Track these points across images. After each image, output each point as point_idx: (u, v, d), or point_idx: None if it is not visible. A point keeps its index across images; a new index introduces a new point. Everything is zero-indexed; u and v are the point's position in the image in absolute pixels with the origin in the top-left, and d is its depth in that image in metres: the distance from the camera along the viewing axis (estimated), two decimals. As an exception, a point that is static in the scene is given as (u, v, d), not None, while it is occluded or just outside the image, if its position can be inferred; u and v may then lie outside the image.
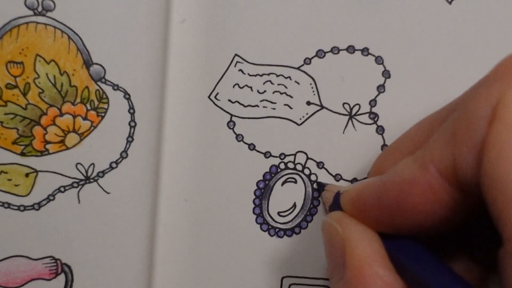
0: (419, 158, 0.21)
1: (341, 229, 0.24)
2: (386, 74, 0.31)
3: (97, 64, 0.31)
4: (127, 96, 0.31)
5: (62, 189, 0.31)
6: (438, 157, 0.20)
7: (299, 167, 0.32)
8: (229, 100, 0.31)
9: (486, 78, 0.20)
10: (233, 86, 0.31)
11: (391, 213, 0.22)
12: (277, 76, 0.31)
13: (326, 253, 0.25)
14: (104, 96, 0.31)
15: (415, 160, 0.21)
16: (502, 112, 0.18)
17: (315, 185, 0.32)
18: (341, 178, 0.32)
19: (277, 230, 0.32)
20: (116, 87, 0.31)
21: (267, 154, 0.32)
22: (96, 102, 0.31)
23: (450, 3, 0.31)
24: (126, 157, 0.31)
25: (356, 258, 0.22)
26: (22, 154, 0.31)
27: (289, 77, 0.31)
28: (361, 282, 0.21)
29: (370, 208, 0.23)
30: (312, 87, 0.31)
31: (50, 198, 0.31)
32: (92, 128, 0.31)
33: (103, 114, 0.31)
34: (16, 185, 0.31)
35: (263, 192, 0.32)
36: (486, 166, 0.18)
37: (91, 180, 0.31)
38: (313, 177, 0.32)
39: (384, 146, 0.31)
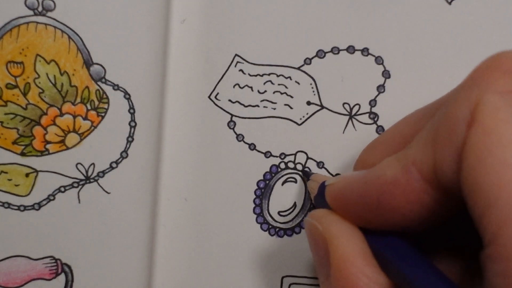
0: (402, 159, 0.21)
1: (323, 228, 0.24)
2: (386, 74, 0.31)
3: (97, 64, 0.31)
4: (127, 96, 0.31)
5: (62, 189, 0.31)
6: (419, 159, 0.20)
7: (299, 167, 0.32)
8: (230, 100, 0.31)
9: (466, 81, 0.20)
10: (234, 86, 0.31)
11: (373, 212, 0.22)
12: (278, 76, 0.31)
13: (312, 253, 0.25)
14: (104, 96, 0.31)
15: (397, 160, 0.21)
16: (480, 116, 0.18)
17: (301, 174, 0.32)
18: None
19: (277, 229, 0.32)
20: (116, 87, 0.31)
21: (268, 154, 0.32)
22: (96, 102, 0.31)
23: (450, 3, 0.31)
24: (126, 157, 0.31)
25: (340, 256, 0.22)
26: (22, 154, 0.31)
27: (290, 77, 0.31)
28: (346, 280, 0.22)
29: (353, 206, 0.23)
30: (312, 87, 0.31)
31: (50, 198, 0.31)
32: (92, 128, 0.31)
33: (103, 114, 0.31)
34: (16, 185, 0.31)
35: (263, 191, 0.32)
36: (466, 171, 0.18)
37: (91, 180, 0.31)
38: (313, 177, 0.32)
39: (384, 146, 0.31)
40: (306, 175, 0.31)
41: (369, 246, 0.23)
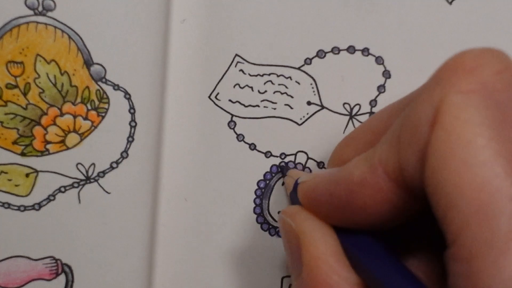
0: (369, 158, 0.21)
1: (296, 225, 0.24)
2: (387, 74, 0.31)
3: (97, 64, 0.31)
4: (127, 96, 0.31)
5: (62, 189, 0.31)
6: (385, 159, 0.20)
7: (299, 167, 0.32)
8: (230, 100, 0.31)
9: (429, 81, 0.20)
10: (234, 86, 0.31)
11: (342, 210, 0.22)
12: (278, 76, 0.31)
13: (284, 249, 0.25)
14: (105, 96, 0.31)
15: (365, 161, 0.21)
16: (442, 117, 0.18)
17: (278, 168, 0.32)
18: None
19: (277, 229, 0.32)
20: (116, 87, 0.31)
21: (268, 154, 0.32)
22: (97, 102, 0.31)
23: (450, 3, 0.31)
24: (126, 157, 0.31)
25: (312, 254, 0.22)
26: (23, 154, 0.31)
27: (290, 77, 0.31)
28: (317, 278, 0.22)
29: (323, 203, 0.23)
30: (312, 87, 0.31)
31: (50, 198, 0.31)
32: (93, 128, 0.31)
33: (103, 114, 0.31)
34: (16, 185, 0.31)
35: (263, 191, 0.32)
36: (429, 172, 0.18)
37: (92, 180, 0.31)
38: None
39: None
40: (283, 170, 0.31)
41: (340, 245, 0.23)
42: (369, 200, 0.21)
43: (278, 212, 0.32)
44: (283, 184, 0.32)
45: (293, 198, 0.26)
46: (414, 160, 0.19)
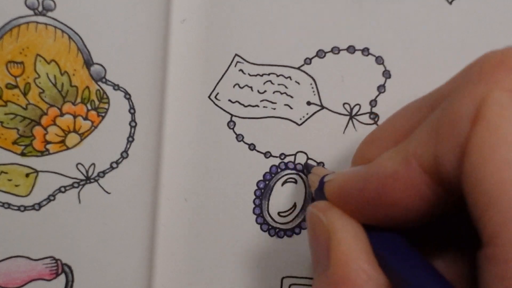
0: (402, 151, 0.21)
1: (327, 220, 0.23)
2: (387, 74, 0.31)
3: (97, 64, 0.31)
4: (127, 96, 0.31)
5: (62, 189, 0.31)
6: (420, 151, 0.20)
7: (299, 167, 0.32)
8: (229, 100, 0.31)
9: (471, 75, 0.20)
10: (233, 86, 0.31)
11: (373, 207, 0.22)
12: (278, 76, 0.31)
13: (310, 243, 0.25)
14: (105, 96, 0.31)
15: (397, 154, 0.21)
16: (485, 113, 0.18)
17: (302, 167, 0.32)
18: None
19: (277, 230, 0.32)
20: (116, 87, 0.31)
21: (267, 154, 0.31)
22: (97, 102, 0.31)
23: (450, 3, 0.31)
24: (126, 157, 0.31)
25: (341, 251, 0.22)
26: (23, 154, 0.31)
27: (290, 77, 0.31)
28: (345, 276, 0.21)
29: (353, 201, 0.23)
30: (312, 87, 0.31)
31: (50, 198, 0.31)
32: (93, 128, 0.31)
33: (103, 114, 0.31)
34: (16, 186, 0.31)
35: (263, 192, 0.32)
36: (468, 168, 0.18)
37: (92, 180, 0.31)
38: (313, 177, 0.32)
39: (384, 146, 0.31)
40: (307, 168, 0.31)
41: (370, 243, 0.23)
42: (402, 194, 0.20)
43: (279, 213, 0.32)
44: (282, 184, 0.32)
45: (319, 195, 0.26)
46: (452, 155, 0.19)
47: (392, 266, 0.21)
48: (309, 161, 0.32)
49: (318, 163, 0.32)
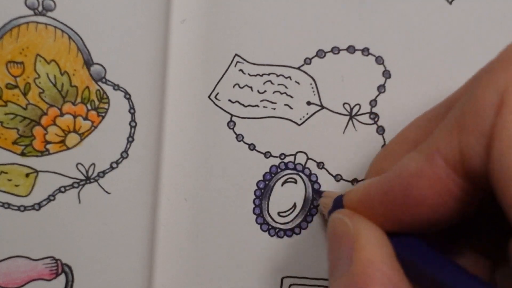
0: (424, 149, 0.20)
1: (352, 224, 0.23)
2: (387, 74, 0.31)
3: (97, 64, 0.31)
4: (127, 96, 0.31)
5: (62, 189, 0.31)
6: (444, 147, 0.20)
7: (299, 167, 0.32)
8: (229, 100, 0.31)
9: (491, 65, 0.20)
10: (233, 86, 0.31)
11: (398, 209, 0.21)
12: (277, 76, 0.31)
13: (331, 247, 0.24)
14: (105, 96, 0.31)
15: (420, 152, 0.21)
16: (510, 100, 0.18)
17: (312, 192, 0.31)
18: (341, 179, 0.32)
19: (277, 230, 0.32)
20: (116, 87, 0.31)
21: (267, 154, 0.32)
22: (97, 102, 0.31)
23: (450, 3, 0.31)
24: (126, 157, 0.31)
25: (365, 255, 0.21)
26: (22, 154, 0.31)
27: (289, 77, 0.31)
28: (368, 282, 0.21)
29: (377, 205, 0.22)
30: (312, 87, 0.31)
31: (50, 198, 0.31)
32: (93, 128, 0.31)
33: (103, 114, 0.31)
34: (16, 186, 0.31)
35: (263, 192, 0.32)
36: (496, 156, 0.17)
37: (92, 180, 0.31)
38: (313, 177, 0.32)
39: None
40: (317, 193, 0.31)
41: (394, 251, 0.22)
42: (428, 192, 0.20)
43: (279, 213, 0.32)
44: (282, 184, 0.32)
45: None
46: (477, 145, 0.18)
47: (420, 270, 0.21)
48: (319, 187, 0.32)
49: (318, 163, 0.32)
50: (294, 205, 0.32)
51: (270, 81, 0.31)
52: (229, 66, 0.31)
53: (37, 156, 0.31)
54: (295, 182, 0.32)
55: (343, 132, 0.31)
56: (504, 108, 0.18)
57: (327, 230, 0.25)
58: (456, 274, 0.20)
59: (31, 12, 0.30)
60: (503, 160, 0.17)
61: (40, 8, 0.30)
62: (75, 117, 0.31)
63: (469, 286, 0.20)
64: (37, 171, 0.31)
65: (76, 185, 0.31)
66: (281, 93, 0.31)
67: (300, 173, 0.32)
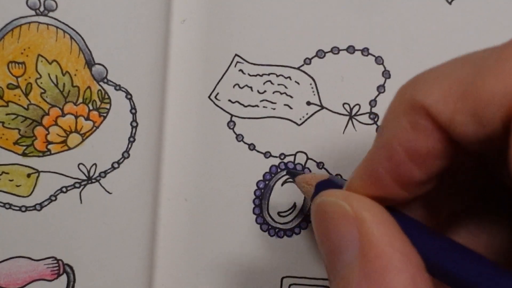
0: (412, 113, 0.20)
1: (350, 206, 0.21)
2: (386, 74, 0.31)
3: (99, 64, 0.31)
4: (128, 96, 0.31)
5: (64, 189, 0.31)
6: (434, 102, 0.19)
7: (299, 167, 0.32)
8: (229, 100, 0.31)
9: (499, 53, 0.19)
10: (233, 86, 0.31)
11: (403, 168, 0.20)
12: (277, 76, 0.31)
13: (324, 236, 0.22)
14: (106, 96, 0.31)
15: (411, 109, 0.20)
16: None
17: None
18: (342, 179, 0.31)
19: (277, 230, 0.32)
20: (118, 87, 0.31)
21: (267, 154, 0.31)
22: (98, 102, 0.31)
23: (450, 3, 0.31)
24: (128, 157, 0.31)
25: (376, 236, 0.19)
26: (24, 154, 0.31)
27: (289, 77, 0.31)
28: (385, 262, 0.19)
29: (384, 176, 0.21)
30: (312, 87, 0.31)
31: (52, 198, 0.31)
32: (94, 128, 0.31)
33: (105, 114, 0.31)
34: (17, 186, 0.31)
35: (263, 192, 0.32)
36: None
37: (93, 180, 0.31)
38: (313, 178, 0.32)
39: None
40: (291, 174, 0.30)
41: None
42: (428, 143, 0.19)
43: (278, 213, 0.32)
44: (282, 184, 0.32)
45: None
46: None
47: (422, 247, 0.20)
48: (297, 166, 0.31)
49: (318, 163, 0.31)
50: (294, 205, 0.32)
51: (270, 81, 0.31)
52: (229, 66, 0.31)
53: (38, 156, 0.31)
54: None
55: (343, 132, 0.31)
56: None
57: (314, 219, 0.23)
58: (453, 249, 0.20)
59: (33, 12, 0.30)
60: None
61: (42, 8, 0.30)
62: (76, 117, 0.31)
63: (466, 260, 0.19)
64: (38, 171, 0.31)
65: (77, 185, 0.31)
66: (281, 93, 0.31)
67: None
